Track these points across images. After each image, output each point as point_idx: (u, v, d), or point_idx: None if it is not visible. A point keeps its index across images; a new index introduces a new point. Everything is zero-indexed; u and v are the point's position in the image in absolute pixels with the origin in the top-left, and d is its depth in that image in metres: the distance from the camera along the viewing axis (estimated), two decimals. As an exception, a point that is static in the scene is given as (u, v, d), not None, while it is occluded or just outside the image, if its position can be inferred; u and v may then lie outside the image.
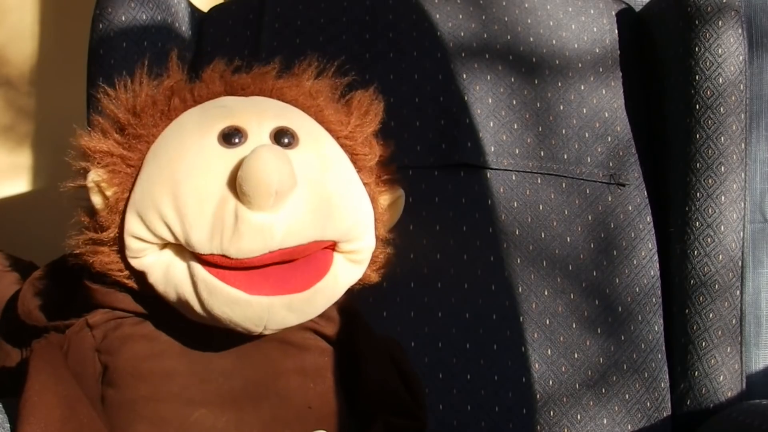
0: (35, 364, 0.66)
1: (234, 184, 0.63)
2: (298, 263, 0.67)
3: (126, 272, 0.69)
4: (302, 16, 0.99)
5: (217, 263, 0.64)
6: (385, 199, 0.76)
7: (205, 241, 0.64)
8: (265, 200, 0.63)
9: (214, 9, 1.05)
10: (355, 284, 0.74)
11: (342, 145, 0.73)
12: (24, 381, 0.65)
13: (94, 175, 0.69)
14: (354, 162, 0.73)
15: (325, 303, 0.70)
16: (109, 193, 0.68)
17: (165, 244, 0.67)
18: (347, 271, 0.71)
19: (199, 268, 0.65)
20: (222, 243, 0.64)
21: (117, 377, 0.69)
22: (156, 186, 0.66)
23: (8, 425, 0.71)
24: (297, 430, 0.70)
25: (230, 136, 0.67)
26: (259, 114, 0.70)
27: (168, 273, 0.67)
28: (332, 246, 0.69)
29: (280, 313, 0.66)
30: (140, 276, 0.69)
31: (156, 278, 0.68)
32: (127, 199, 0.68)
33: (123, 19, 0.93)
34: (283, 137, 0.68)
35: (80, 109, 0.95)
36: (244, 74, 0.75)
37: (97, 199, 0.69)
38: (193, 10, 1.02)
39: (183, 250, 0.66)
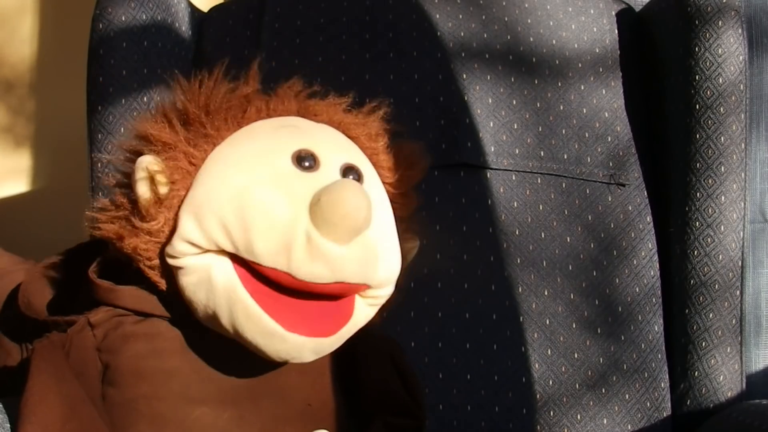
0: (37, 364, 0.66)
1: (306, 205, 0.63)
2: (330, 304, 0.66)
3: (155, 261, 0.67)
4: (302, 16, 0.99)
5: (278, 279, 0.63)
6: (405, 250, 0.75)
7: (271, 254, 0.63)
8: (349, 234, 0.62)
9: (214, 9, 1.05)
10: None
11: (386, 191, 0.73)
12: (25, 381, 0.65)
13: (152, 164, 0.66)
14: (393, 209, 0.73)
15: (338, 345, 0.70)
16: (162, 186, 0.66)
17: (207, 251, 0.65)
18: (364, 314, 0.71)
19: (242, 291, 0.64)
20: (291, 262, 0.62)
21: (118, 376, 0.69)
22: (222, 191, 0.64)
23: (8, 425, 0.71)
24: (297, 428, 0.70)
25: (303, 159, 0.66)
26: (333, 144, 0.69)
27: (202, 281, 0.65)
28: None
29: (306, 353, 0.66)
30: (167, 272, 0.67)
31: (188, 281, 0.66)
32: (183, 198, 0.66)
33: (123, 19, 0.93)
34: (350, 173, 0.68)
35: (80, 110, 0.95)
36: (319, 100, 0.74)
37: (144, 187, 0.66)
38: (193, 10, 1.02)
39: (227, 262, 0.64)
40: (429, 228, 0.92)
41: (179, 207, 0.66)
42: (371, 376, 0.75)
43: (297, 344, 0.64)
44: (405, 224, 0.74)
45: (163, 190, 0.66)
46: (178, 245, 0.65)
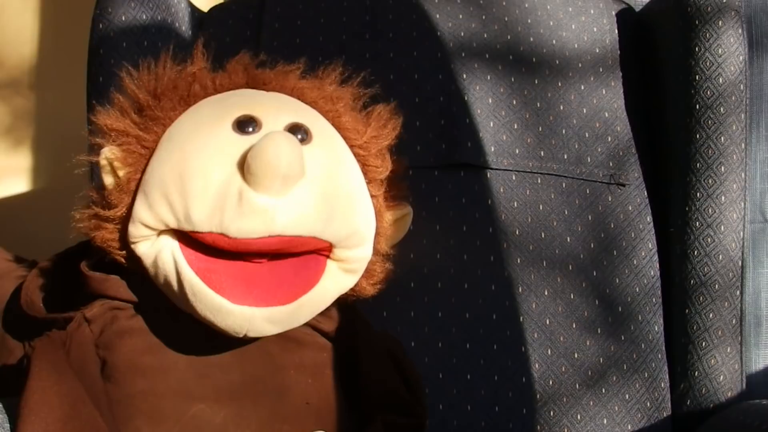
0: (37, 363, 0.66)
1: (242, 167, 0.64)
2: (288, 269, 0.66)
3: (125, 252, 0.70)
4: (302, 16, 0.99)
5: (214, 243, 0.64)
6: (391, 215, 0.75)
7: (205, 219, 0.64)
8: (272, 181, 0.63)
9: (214, 9, 1.05)
10: (349, 295, 0.74)
11: (355, 154, 0.73)
12: (25, 380, 0.65)
13: (108, 153, 0.69)
14: (365, 173, 0.73)
15: (309, 315, 0.70)
16: (121, 172, 0.69)
17: (160, 233, 0.67)
18: (338, 280, 0.71)
19: (186, 269, 0.65)
20: (222, 221, 0.63)
21: (115, 372, 0.69)
22: (165, 166, 0.66)
23: (8, 425, 0.71)
24: (295, 426, 0.70)
25: (245, 124, 0.67)
26: (277, 108, 0.70)
27: (157, 265, 0.67)
28: (328, 251, 0.69)
29: (261, 324, 0.66)
30: (137, 258, 0.69)
31: (148, 266, 0.68)
32: (139, 180, 0.68)
33: (123, 19, 0.93)
34: (296, 132, 0.69)
35: (80, 109, 0.95)
36: (268, 70, 0.75)
37: (107, 177, 0.70)
38: (193, 10, 1.02)
39: (175, 244, 0.66)
40: (429, 228, 0.92)
41: (136, 191, 0.68)
42: (371, 374, 0.74)
43: (245, 316, 0.64)
44: (387, 188, 0.74)
45: (121, 175, 0.69)
46: (132, 228, 0.67)
